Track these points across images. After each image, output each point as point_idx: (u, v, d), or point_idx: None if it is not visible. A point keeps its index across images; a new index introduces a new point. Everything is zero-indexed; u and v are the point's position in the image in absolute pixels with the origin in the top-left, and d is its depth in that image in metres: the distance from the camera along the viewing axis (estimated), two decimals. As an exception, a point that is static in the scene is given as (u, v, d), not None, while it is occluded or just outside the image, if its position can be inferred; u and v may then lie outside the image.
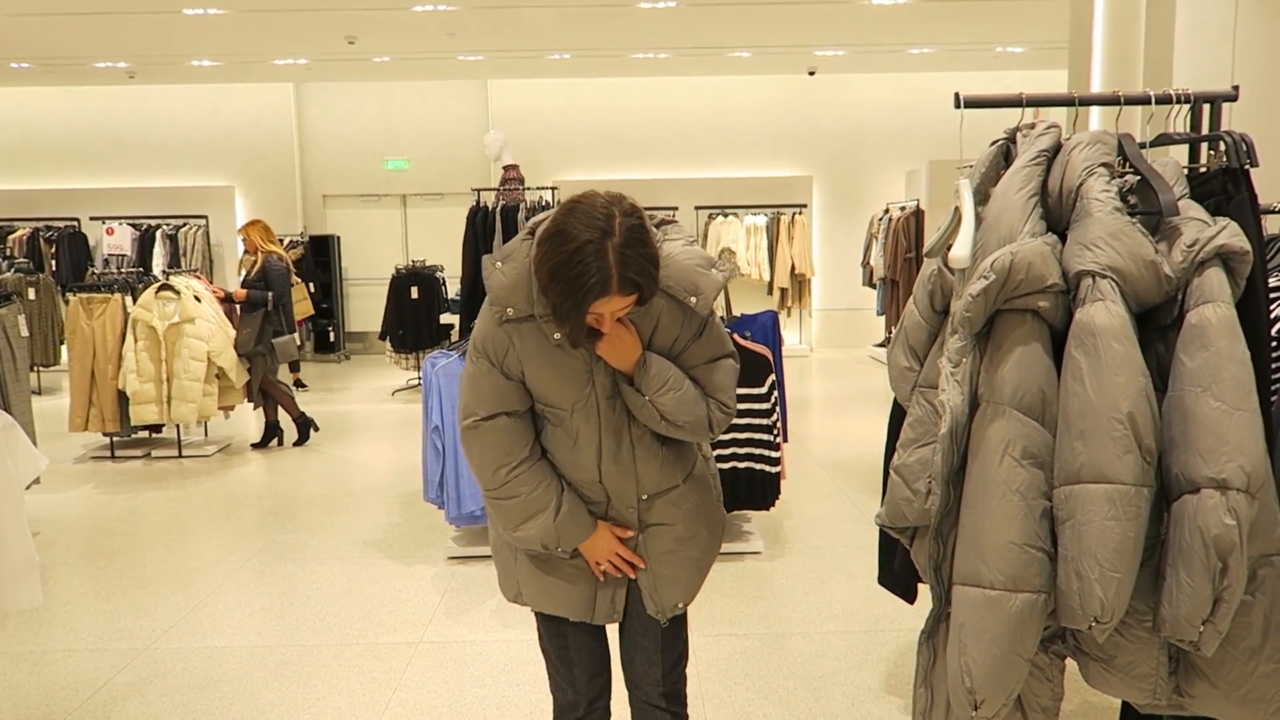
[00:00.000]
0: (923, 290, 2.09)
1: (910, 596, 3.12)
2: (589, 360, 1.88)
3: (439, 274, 9.42)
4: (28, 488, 3.06)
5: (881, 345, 11.36)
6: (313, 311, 9.19)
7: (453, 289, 9.05)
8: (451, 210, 11.38)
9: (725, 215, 11.58)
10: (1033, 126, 1.89)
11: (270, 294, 6.81)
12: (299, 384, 9.53)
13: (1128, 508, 1.60)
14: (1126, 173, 1.89)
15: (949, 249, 1.87)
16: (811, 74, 11.88)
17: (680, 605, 2.05)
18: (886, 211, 10.81)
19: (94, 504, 5.73)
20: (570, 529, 1.94)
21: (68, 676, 3.41)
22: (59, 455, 6.90)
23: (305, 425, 7.13)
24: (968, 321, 1.74)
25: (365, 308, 12.21)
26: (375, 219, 12.45)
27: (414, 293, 9.02)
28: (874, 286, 11.15)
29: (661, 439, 1.97)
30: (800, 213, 11.59)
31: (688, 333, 1.88)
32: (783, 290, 11.40)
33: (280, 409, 7.11)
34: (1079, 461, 1.65)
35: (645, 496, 1.98)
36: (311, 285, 11.55)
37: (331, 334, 12.00)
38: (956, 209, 1.91)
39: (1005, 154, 1.95)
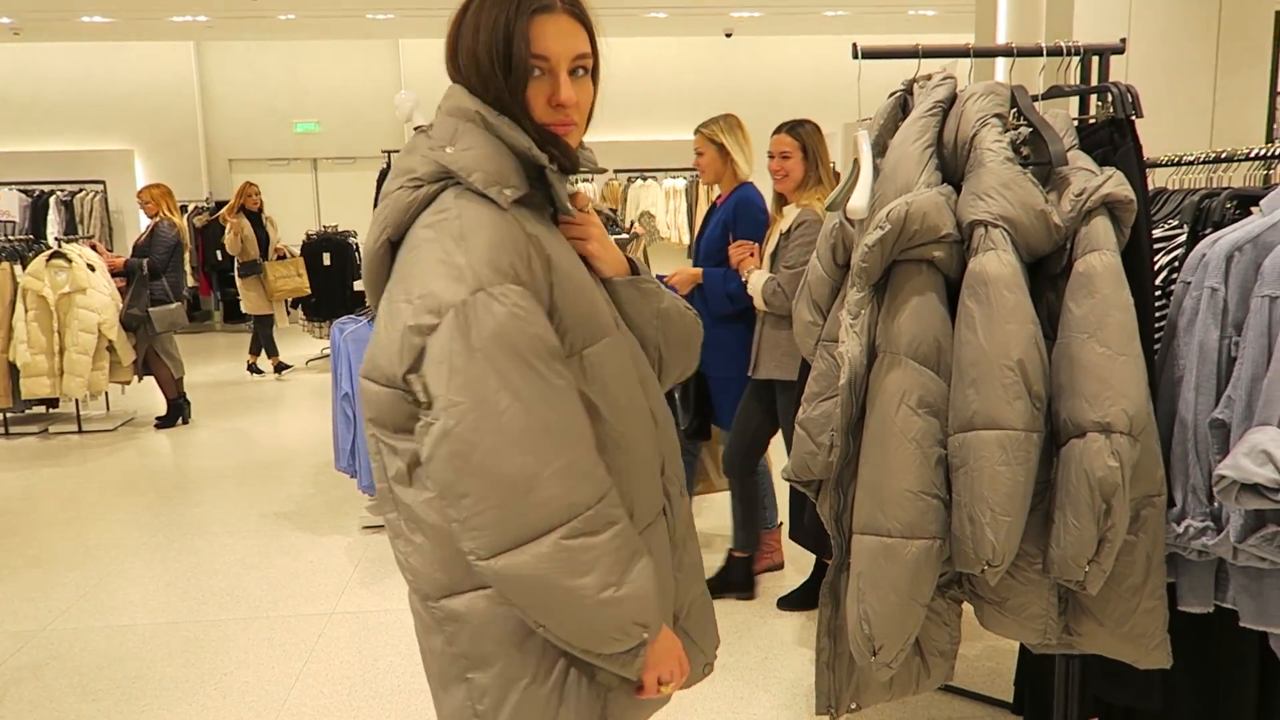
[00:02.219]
0: (825, 244, 2.09)
1: (822, 550, 3.17)
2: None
3: (352, 240, 9.17)
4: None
5: (800, 307, 11.48)
6: (307, 290, 8.48)
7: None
8: (364, 174, 11.05)
9: (644, 179, 11.53)
10: (929, 79, 1.90)
11: (145, 260, 6.52)
12: (281, 366, 8.62)
13: (1018, 452, 1.63)
14: (1020, 125, 1.91)
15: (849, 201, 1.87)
16: (728, 36, 11.85)
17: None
18: (804, 174, 10.85)
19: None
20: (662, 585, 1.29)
21: (-45, 660, 3.26)
22: (-50, 433, 6.57)
23: (178, 411, 6.81)
24: (864, 272, 1.74)
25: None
26: (285, 184, 12.04)
27: (326, 259, 8.78)
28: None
29: None
30: (720, 176, 11.57)
31: None
32: (703, 254, 11.42)
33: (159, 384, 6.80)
34: (972, 409, 1.67)
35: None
36: (219, 253, 11.15)
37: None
38: (856, 161, 1.91)
39: (903, 106, 1.95)
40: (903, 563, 1.70)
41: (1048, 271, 1.78)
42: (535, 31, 1.22)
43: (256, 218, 8.38)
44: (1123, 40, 2.05)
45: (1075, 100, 2.16)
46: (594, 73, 1.31)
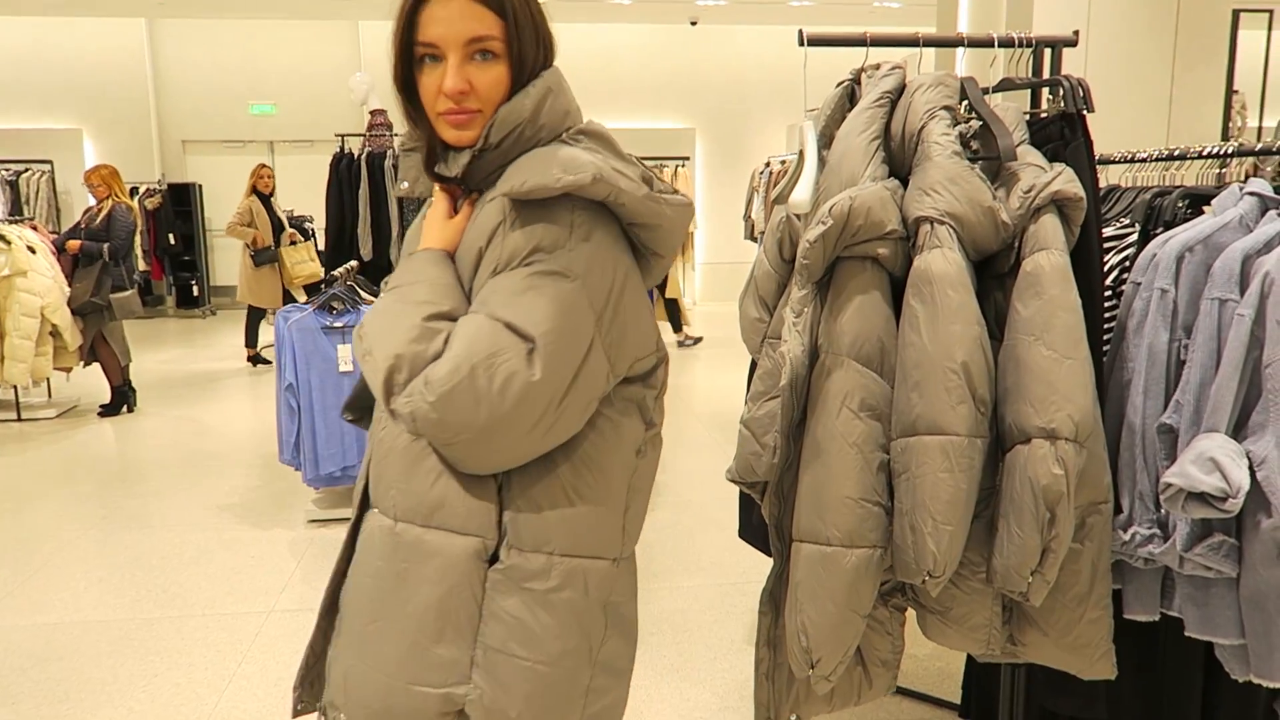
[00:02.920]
0: (772, 238, 2.02)
1: (770, 550, 3.11)
2: None
3: (308, 225, 8.99)
4: None
5: (764, 299, 11.46)
6: (320, 275, 8.01)
7: (322, 241, 8.56)
8: (322, 158, 10.72)
9: (608, 167, 11.42)
10: (877, 68, 1.83)
11: (106, 245, 6.31)
12: (257, 360, 8.17)
13: (960, 459, 1.58)
14: (971, 118, 1.85)
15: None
16: (694, 24, 11.76)
17: None
18: (767, 165, 10.84)
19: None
20: None
21: None
22: (-122, 420, 6.34)
23: (123, 399, 6.61)
24: (805, 269, 1.67)
25: (231, 260, 11.60)
26: (240, 166, 11.75)
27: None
28: (755, 240, 11.21)
29: None
30: (683, 165, 11.52)
31: (488, 260, 1.19)
32: (666, 243, 11.35)
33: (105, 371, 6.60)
34: (915, 413, 1.61)
35: None
36: (172, 237, 10.90)
37: (195, 288, 11.38)
38: (801, 152, 1.84)
39: (850, 96, 1.88)
40: (842, 572, 1.64)
41: (995, 270, 1.73)
42: (425, 17, 1.17)
43: (268, 201, 7.96)
44: (1075, 33, 1.99)
45: (1028, 94, 2.11)
46: (515, 52, 1.20)
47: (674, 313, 8.92)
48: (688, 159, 11.66)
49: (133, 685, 2.96)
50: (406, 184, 1.29)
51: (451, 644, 1.18)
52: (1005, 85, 2.01)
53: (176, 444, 5.85)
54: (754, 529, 3.02)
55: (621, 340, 1.19)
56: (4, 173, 10.53)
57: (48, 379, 6.50)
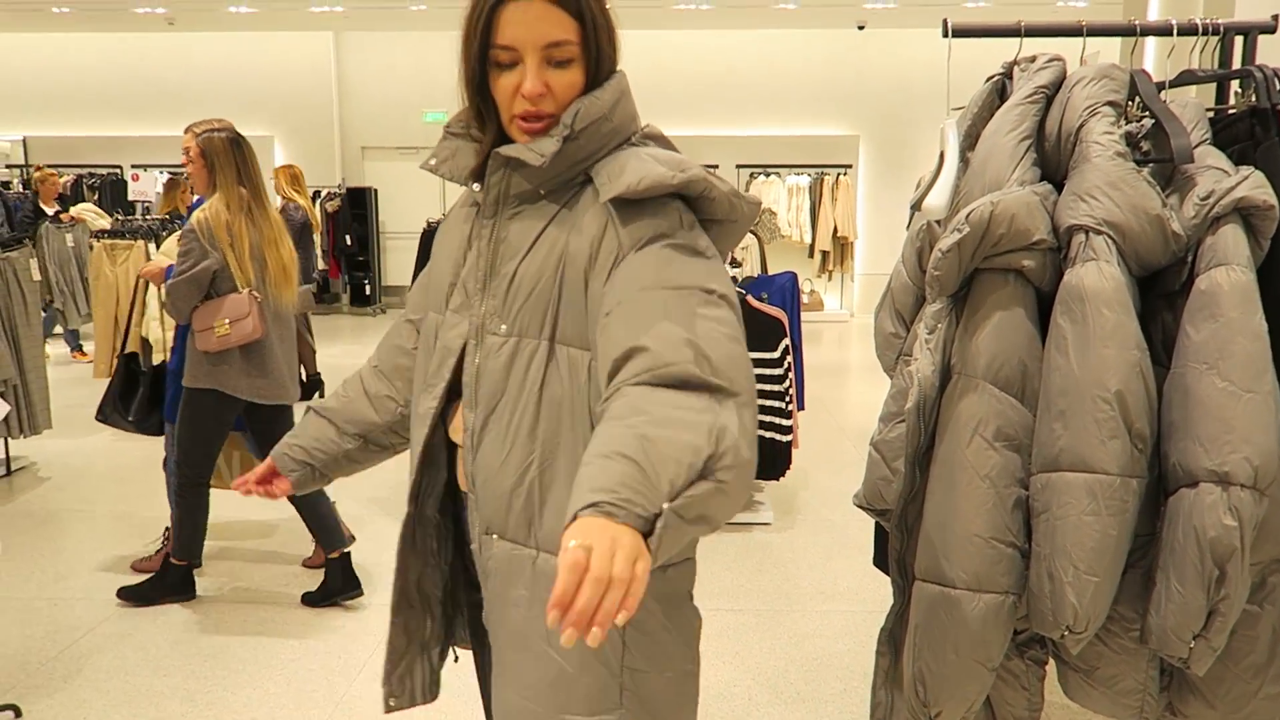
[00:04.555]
0: (910, 248, 1.87)
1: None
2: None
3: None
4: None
5: (925, 312, 11.00)
6: None
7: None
8: (488, 164, 11.19)
9: (767, 175, 11.25)
10: (1032, 60, 1.65)
11: None
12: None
13: (1110, 501, 1.38)
14: (1143, 116, 1.64)
15: (930, 199, 1.65)
16: (861, 28, 11.42)
17: None
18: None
19: (111, 450, 5.74)
20: None
21: (49, 625, 3.37)
22: (84, 400, 6.94)
23: (314, 385, 7.02)
24: (937, 281, 1.52)
25: (402, 261, 12.14)
26: (413, 172, 12.30)
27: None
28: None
29: None
30: (845, 173, 11.21)
31: (605, 254, 1.16)
32: (824, 253, 11.07)
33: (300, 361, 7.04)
34: (1058, 445, 1.43)
35: None
36: (349, 238, 11.51)
37: (368, 287, 11.97)
38: (942, 153, 1.68)
39: (1000, 92, 1.71)
40: (967, 619, 1.48)
41: (1163, 288, 1.52)
42: (503, 19, 1.17)
43: None
44: (1275, 18, 1.74)
45: (1213, 88, 1.86)
46: (592, 57, 1.19)
47: None
48: (850, 166, 11.34)
49: (272, 666, 3.08)
50: (435, 161, 1.29)
51: (598, 672, 1.20)
52: (1186, 79, 1.78)
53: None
54: (887, 557, 2.84)
55: None
56: (205, 176, 11.41)
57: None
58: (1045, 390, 1.47)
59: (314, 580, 3.72)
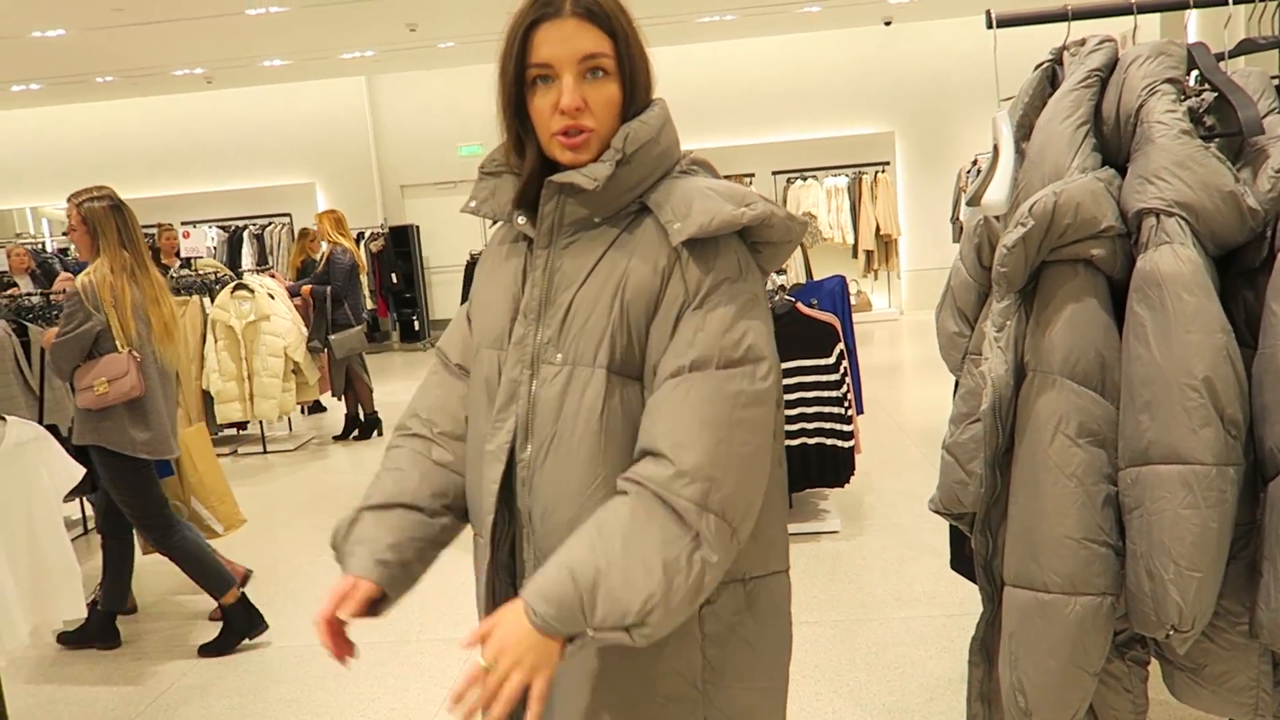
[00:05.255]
0: (969, 244, 1.83)
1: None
2: None
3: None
4: (66, 499, 3.06)
5: (976, 304, 10.83)
6: None
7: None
8: (526, 193, 11.29)
9: (804, 179, 11.20)
10: (1082, 43, 1.60)
11: (329, 288, 6.82)
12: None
13: (1208, 493, 1.33)
14: (1203, 90, 1.59)
15: (987, 194, 1.61)
16: (887, 24, 11.34)
17: None
18: (974, 163, 10.23)
19: (180, 503, 5.85)
20: None
21: (135, 678, 3.43)
22: (152, 456, 7.12)
23: (371, 424, 7.12)
24: (1004, 278, 1.48)
25: (448, 295, 12.31)
26: (452, 206, 12.45)
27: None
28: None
29: None
30: (883, 171, 11.11)
31: (670, 299, 1.18)
32: (868, 253, 10.97)
33: (358, 401, 7.15)
34: (1146, 438, 1.38)
35: None
36: (395, 275, 11.67)
37: (416, 323, 12.13)
38: (996, 146, 1.64)
39: (1051, 79, 1.66)
40: (1063, 624, 1.42)
41: (1243, 266, 1.46)
42: (537, 39, 1.19)
43: None
44: (1336, -24, 1.68)
45: (1277, 55, 1.79)
46: (626, 70, 1.20)
47: None
48: (888, 163, 11.24)
49: (352, 709, 3.10)
50: (475, 203, 1.30)
51: (677, 685, 1.21)
52: (1246, 47, 1.72)
53: (398, 472, 6.19)
54: (966, 561, 2.77)
55: None
56: (252, 227, 11.68)
57: (289, 414, 7.07)
58: (1127, 381, 1.42)
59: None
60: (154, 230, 7.94)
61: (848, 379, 4.25)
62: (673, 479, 1.10)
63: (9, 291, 8.15)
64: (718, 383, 1.13)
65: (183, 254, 7.45)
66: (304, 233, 8.12)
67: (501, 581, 1.33)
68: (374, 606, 1.31)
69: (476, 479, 1.32)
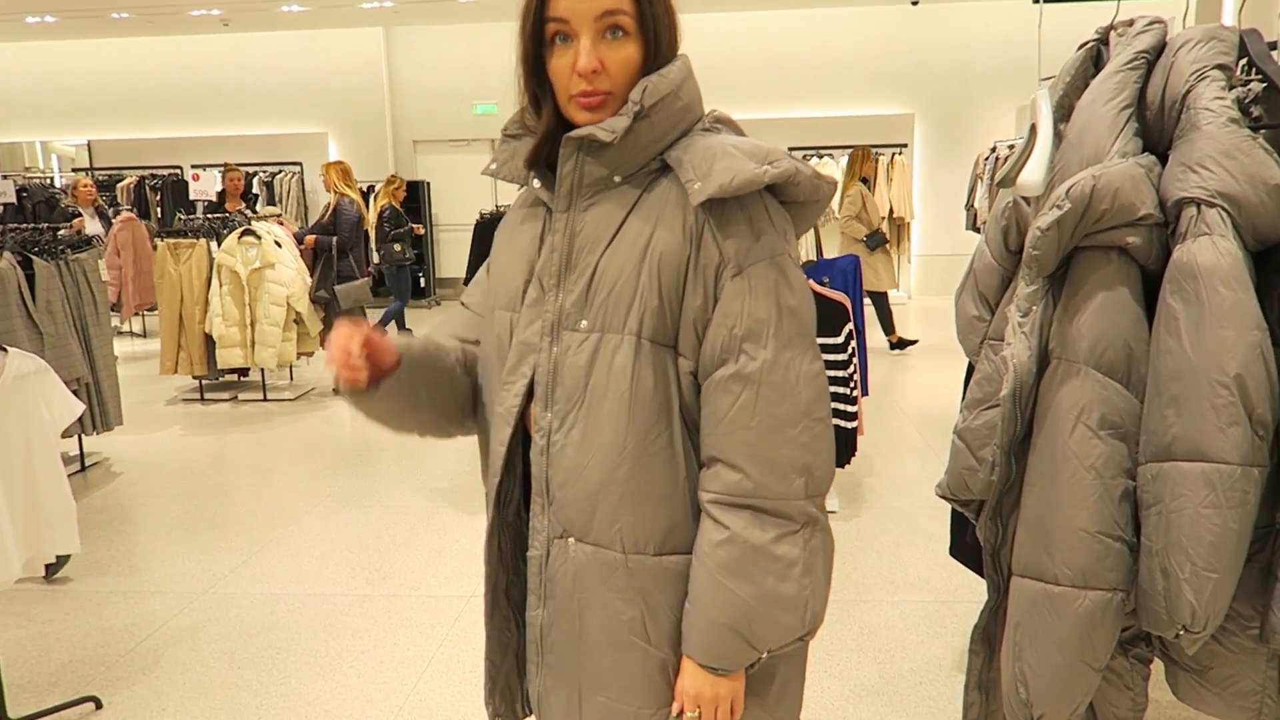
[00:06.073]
0: (995, 226, 1.79)
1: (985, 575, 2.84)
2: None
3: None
4: (64, 434, 3.04)
5: (986, 293, 10.77)
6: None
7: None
8: (539, 154, 11.19)
9: (820, 156, 11.09)
10: (1130, 25, 1.55)
11: (334, 238, 6.76)
12: (902, 343, 8.13)
13: (1230, 493, 1.30)
14: (1251, 79, 1.54)
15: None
16: (914, 4, 11.17)
17: None
18: (993, 150, 10.14)
19: (179, 445, 5.85)
20: None
21: (127, 618, 3.43)
22: (152, 397, 7.11)
23: None
24: (1035, 261, 1.44)
25: (456, 253, 12.21)
26: (465, 164, 12.37)
27: (499, 237, 8.93)
28: (978, 230, 10.52)
29: None
30: (900, 153, 11.00)
31: (704, 261, 1.16)
32: (880, 235, 10.89)
33: None
34: (1170, 434, 1.35)
35: None
36: (415, 228, 11.60)
37: (422, 280, 12.07)
38: (1033, 126, 1.59)
39: (1095, 59, 1.61)
40: (1072, 617, 1.40)
41: (1280, 263, 1.42)
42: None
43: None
44: (1397, -31, 1.62)
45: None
46: (649, 30, 1.15)
47: (884, 310, 8.20)
48: (905, 145, 11.12)
49: (342, 660, 3.10)
50: (495, 165, 1.28)
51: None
52: (1298, 37, 1.67)
53: (397, 427, 6.18)
54: (966, 548, 2.76)
55: None
56: (262, 174, 11.59)
57: (290, 364, 7.05)
58: (1154, 374, 1.38)
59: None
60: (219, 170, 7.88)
61: (855, 359, 4.22)
62: (771, 485, 1.13)
63: (75, 223, 8.08)
64: (779, 374, 1.13)
65: (192, 196, 7.39)
66: (391, 180, 8.26)
67: (507, 539, 1.31)
68: (375, 374, 1.24)
69: (485, 439, 1.30)
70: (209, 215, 7.23)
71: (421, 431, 1.39)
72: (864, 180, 7.88)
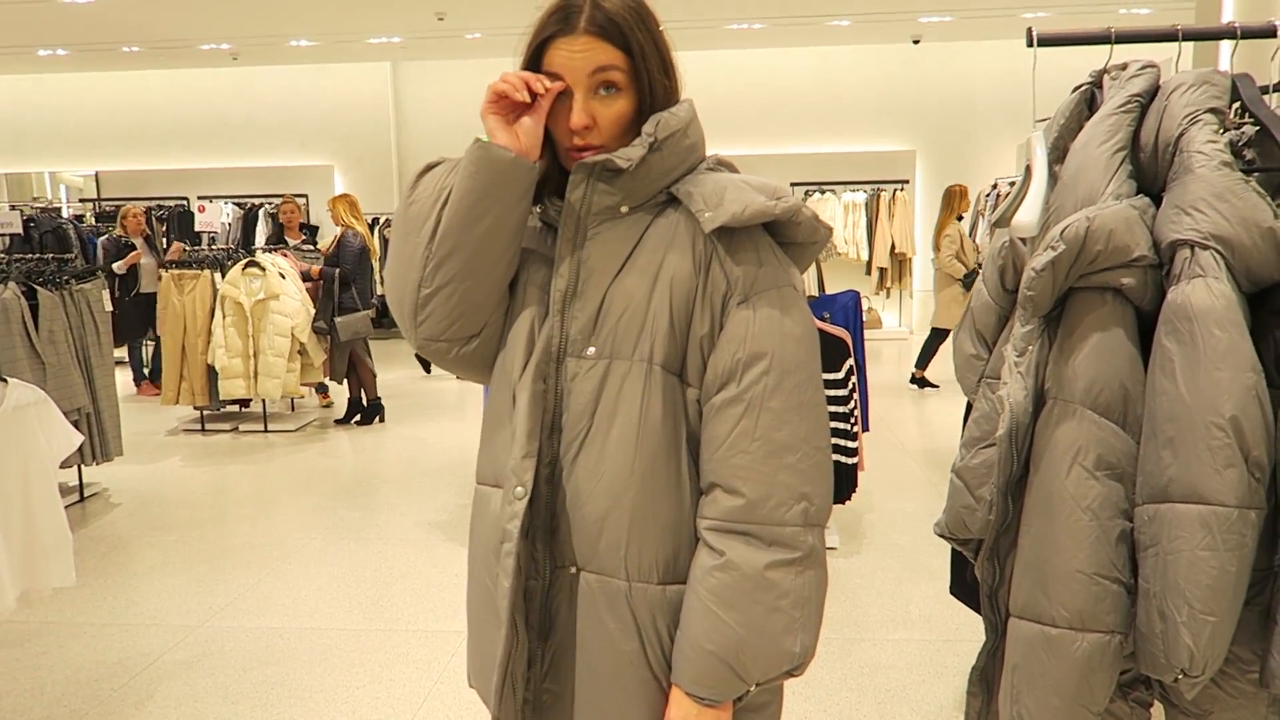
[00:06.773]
0: (992, 266, 1.79)
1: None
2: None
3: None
4: (63, 465, 3.04)
5: (987, 329, 10.77)
6: None
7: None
8: (542, 188, 11.26)
9: (822, 192, 11.16)
10: (1124, 68, 1.57)
11: (337, 270, 6.79)
12: (924, 383, 8.04)
13: (1228, 535, 1.29)
14: (1244, 122, 1.55)
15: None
16: (916, 43, 11.30)
17: None
18: (994, 187, 10.20)
19: (179, 476, 5.84)
20: None
21: (121, 652, 3.41)
22: (153, 427, 7.11)
23: (374, 410, 7.12)
24: (1031, 302, 1.44)
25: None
26: (469, 197, 12.42)
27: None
28: (978, 268, 10.55)
29: None
30: (902, 189, 11.06)
31: (712, 288, 1.18)
32: (881, 270, 10.94)
33: (360, 385, 7.13)
34: (1167, 475, 1.34)
35: None
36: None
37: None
38: (1029, 167, 1.61)
39: (1090, 102, 1.63)
40: (1070, 660, 1.39)
41: (1275, 305, 1.42)
42: (550, 51, 1.19)
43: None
44: (1387, 15, 1.64)
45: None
46: (643, 84, 1.19)
47: (934, 348, 7.87)
48: (906, 182, 11.19)
49: (337, 695, 3.07)
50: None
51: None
52: (1290, 82, 1.69)
53: (399, 459, 6.17)
54: (967, 586, 2.73)
55: None
56: (268, 205, 11.68)
57: (294, 395, 7.05)
58: (1150, 416, 1.38)
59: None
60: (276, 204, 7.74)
61: (855, 395, 4.21)
62: (768, 510, 1.14)
63: (131, 257, 7.99)
64: (780, 400, 1.15)
65: (197, 227, 7.43)
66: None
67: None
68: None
69: (490, 449, 1.30)
70: (270, 246, 7.24)
71: (460, 281, 1.22)
72: (960, 218, 7.77)
